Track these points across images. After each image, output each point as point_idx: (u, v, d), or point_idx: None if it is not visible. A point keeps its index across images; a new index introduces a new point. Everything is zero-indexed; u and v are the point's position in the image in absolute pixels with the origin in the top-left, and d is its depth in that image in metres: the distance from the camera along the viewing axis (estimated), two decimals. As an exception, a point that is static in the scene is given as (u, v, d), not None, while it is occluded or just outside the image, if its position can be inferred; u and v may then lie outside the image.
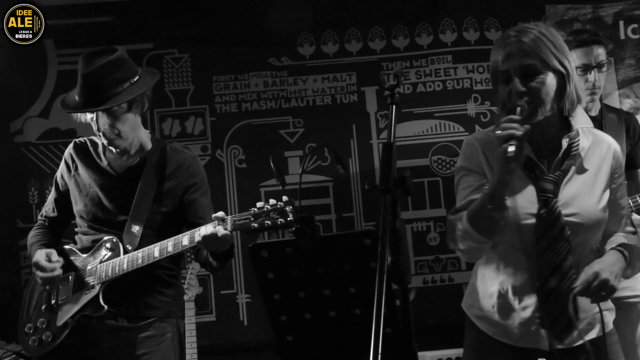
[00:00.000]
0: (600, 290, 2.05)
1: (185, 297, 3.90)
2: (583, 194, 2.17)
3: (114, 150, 2.78)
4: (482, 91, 4.56)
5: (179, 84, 4.58)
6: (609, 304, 2.24)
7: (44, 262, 2.68)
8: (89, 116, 2.71)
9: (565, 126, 2.21)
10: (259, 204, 2.45)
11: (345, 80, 4.58)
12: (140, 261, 2.62)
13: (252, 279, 4.41)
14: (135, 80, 2.71)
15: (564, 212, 2.14)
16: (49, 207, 2.95)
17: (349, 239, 2.01)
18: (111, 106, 2.63)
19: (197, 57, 4.59)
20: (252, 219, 2.42)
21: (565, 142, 2.18)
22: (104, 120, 2.66)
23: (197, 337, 3.86)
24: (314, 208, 4.39)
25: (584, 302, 2.15)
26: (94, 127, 2.73)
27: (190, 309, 3.91)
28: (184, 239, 2.56)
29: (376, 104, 4.56)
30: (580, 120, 2.21)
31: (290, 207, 2.39)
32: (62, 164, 2.91)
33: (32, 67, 4.54)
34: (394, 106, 1.93)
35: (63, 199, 2.89)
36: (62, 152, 4.27)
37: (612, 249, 2.16)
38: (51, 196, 2.96)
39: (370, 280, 1.75)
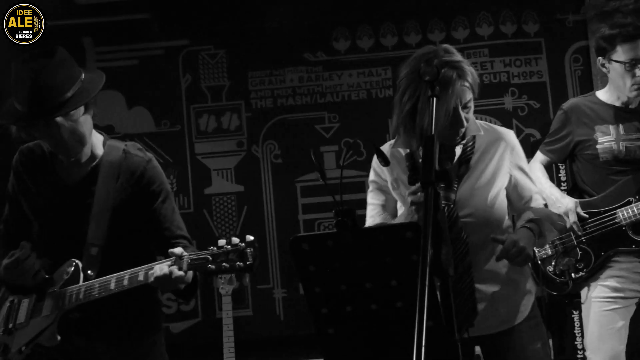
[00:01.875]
0: (518, 255, 2.23)
1: (223, 292, 3.98)
2: (477, 195, 2.37)
3: (64, 160, 2.49)
4: (519, 85, 4.53)
5: (215, 80, 4.61)
6: (522, 290, 2.44)
7: (16, 254, 2.39)
8: (37, 129, 2.38)
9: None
10: (220, 242, 2.27)
11: (380, 75, 4.58)
12: (96, 292, 2.38)
13: (288, 274, 4.47)
14: (83, 78, 2.41)
15: (460, 213, 2.31)
16: (7, 221, 2.63)
17: (391, 232, 2.00)
18: (80, 105, 2.34)
19: (233, 53, 4.62)
20: (210, 258, 2.25)
21: (459, 149, 2.39)
22: (65, 127, 2.34)
23: (234, 332, 3.90)
24: (350, 203, 4.36)
25: (501, 292, 2.37)
26: (45, 139, 2.42)
27: (227, 304, 3.96)
28: (140, 274, 2.34)
29: (412, 98, 4.55)
30: (472, 128, 2.39)
31: (251, 250, 2.23)
32: (12, 177, 2.59)
33: (72, 65, 4.63)
34: (435, 98, 1.95)
35: (17, 213, 2.58)
36: (101, 148, 4.38)
37: (522, 226, 2.35)
38: (6, 213, 2.63)
39: (411, 273, 1.77)
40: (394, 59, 4.54)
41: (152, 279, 2.29)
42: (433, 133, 1.90)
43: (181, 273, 2.27)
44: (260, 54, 4.59)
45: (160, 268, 2.29)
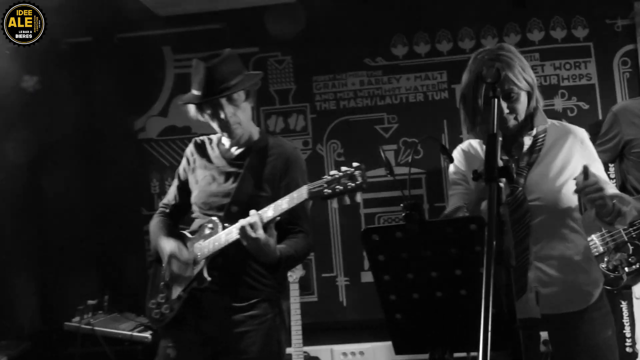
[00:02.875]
0: (597, 192, 2.20)
1: (290, 279, 4.13)
2: (546, 181, 2.43)
3: (227, 143, 2.94)
4: (569, 87, 4.56)
5: (282, 84, 4.76)
6: (592, 277, 2.47)
7: (181, 255, 2.88)
8: (207, 111, 2.84)
9: (528, 126, 2.50)
10: (332, 172, 2.52)
11: (436, 79, 4.65)
12: (233, 234, 2.71)
13: (351, 263, 4.60)
14: (246, 73, 2.89)
15: (528, 197, 2.40)
16: (171, 196, 3.14)
17: (456, 224, 2.03)
18: (241, 89, 2.79)
19: (299, 58, 4.75)
20: (325, 185, 2.49)
21: (528, 139, 2.48)
22: (229, 109, 2.81)
23: (301, 316, 4.08)
24: (414, 197, 4.50)
25: (566, 277, 2.40)
26: (214, 120, 2.85)
27: (294, 290, 4.13)
28: (269, 211, 2.65)
29: (466, 100, 4.67)
30: (538, 120, 2.50)
31: (360, 172, 2.47)
32: (184, 159, 3.10)
33: (153, 71, 4.83)
34: (497, 99, 2.01)
35: (183, 188, 3.07)
36: (179, 147, 4.60)
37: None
38: (173, 186, 3.14)
39: (475, 263, 1.87)
40: (448, 63, 4.63)
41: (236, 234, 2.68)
42: (495, 131, 1.93)
43: (253, 233, 2.60)
44: (323, 60, 4.70)
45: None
